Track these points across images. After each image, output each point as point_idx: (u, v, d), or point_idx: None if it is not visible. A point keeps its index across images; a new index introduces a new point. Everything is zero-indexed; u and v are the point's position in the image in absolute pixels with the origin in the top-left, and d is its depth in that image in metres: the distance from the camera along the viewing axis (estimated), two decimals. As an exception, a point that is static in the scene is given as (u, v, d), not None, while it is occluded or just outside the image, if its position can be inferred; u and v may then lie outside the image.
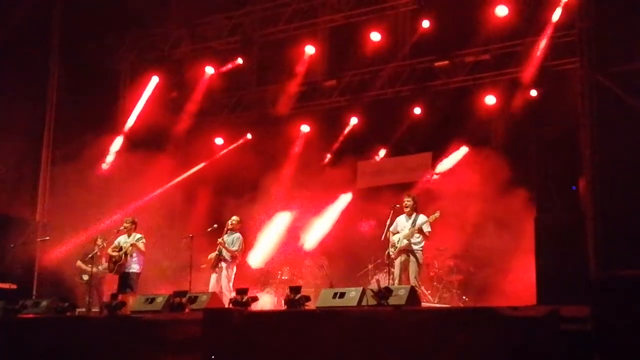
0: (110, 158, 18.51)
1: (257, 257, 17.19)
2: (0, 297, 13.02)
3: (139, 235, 13.78)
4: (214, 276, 13.80)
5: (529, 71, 15.48)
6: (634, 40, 8.94)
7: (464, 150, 16.60)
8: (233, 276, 13.91)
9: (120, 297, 11.87)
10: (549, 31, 15.20)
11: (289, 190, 17.86)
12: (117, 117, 18.97)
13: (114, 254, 13.69)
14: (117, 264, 13.63)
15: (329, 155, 18.38)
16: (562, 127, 11.14)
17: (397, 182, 16.90)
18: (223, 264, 13.78)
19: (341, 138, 18.33)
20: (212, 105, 19.10)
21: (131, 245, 13.60)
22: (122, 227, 13.96)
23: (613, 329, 6.92)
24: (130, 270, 13.65)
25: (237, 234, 13.99)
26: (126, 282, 13.59)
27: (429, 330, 7.84)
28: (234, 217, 14.20)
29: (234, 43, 18.21)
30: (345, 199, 17.87)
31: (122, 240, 13.85)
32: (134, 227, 13.93)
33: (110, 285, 14.73)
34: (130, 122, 18.77)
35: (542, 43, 15.23)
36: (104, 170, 17.83)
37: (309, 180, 17.77)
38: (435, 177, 16.68)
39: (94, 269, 13.97)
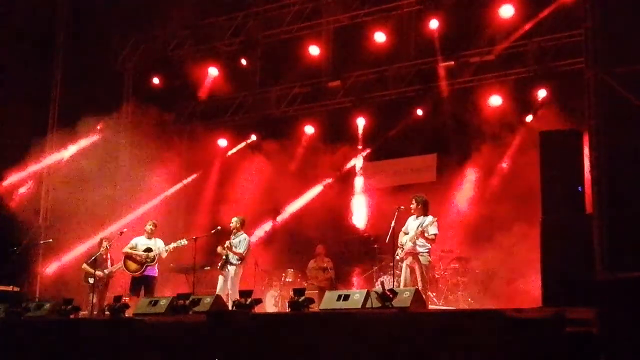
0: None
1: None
2: (4, 300, 13.05)
3: (163, 244, 13.78)
4: (221, 278, 13.65)
5: (535, 71, 15.46)
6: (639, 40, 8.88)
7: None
8: (239, 278, 13.78)
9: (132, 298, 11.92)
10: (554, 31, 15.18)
11: (293, 191, 17.82)
12: (120, 119, 18.94)
13: (142, 254, 13.66)
14: (145, 265, 13.59)
15: (333, 157, 18.28)
16: (568, 127, 11.04)
17: (402, 183, 16.83)
18: (229, 267, 13.62)
19: (346, 139, 18.24)
20: (216, 106, 19.07)
21: (166, 251, 13.63)
22: (147, 229, 13.87)
23: (619, 331, 6.86)
24: (154, 274, 13.68)
25: (243, 235, 13.72)
26: (148, 286, 13.59)
27: (433, 333, 7.77)
28: (235, 218, 14.03)
29: (237, 44, 18.18)
30: (348, 200, 17.81)
31: (141, 242, 13.79)
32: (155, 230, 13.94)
33: (115, 288, 14.70)
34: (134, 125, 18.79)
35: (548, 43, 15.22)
36: (108, 178, 17.77)
37: (313, 181, 17.75)
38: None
39: (98, 272, 13.90)
